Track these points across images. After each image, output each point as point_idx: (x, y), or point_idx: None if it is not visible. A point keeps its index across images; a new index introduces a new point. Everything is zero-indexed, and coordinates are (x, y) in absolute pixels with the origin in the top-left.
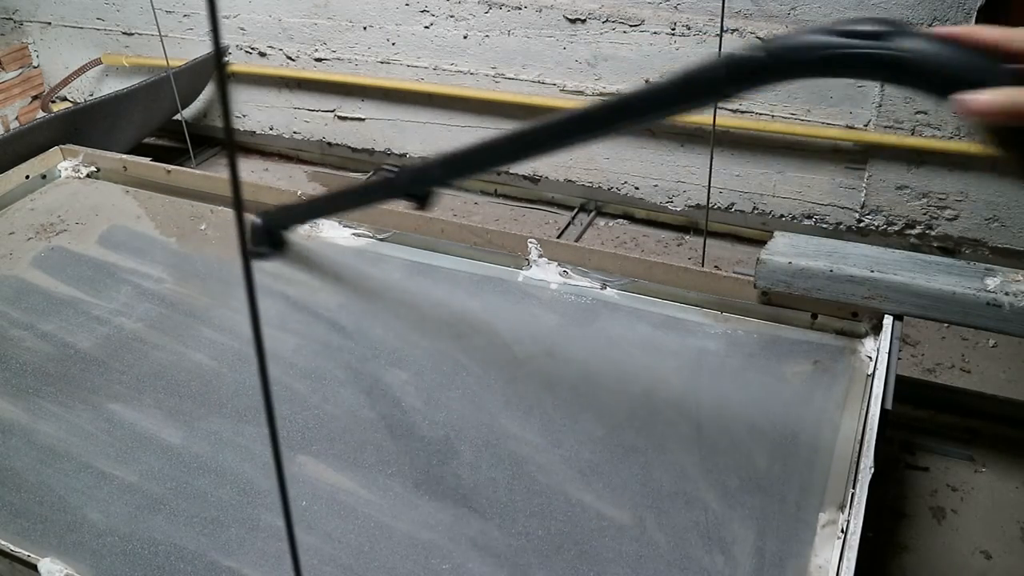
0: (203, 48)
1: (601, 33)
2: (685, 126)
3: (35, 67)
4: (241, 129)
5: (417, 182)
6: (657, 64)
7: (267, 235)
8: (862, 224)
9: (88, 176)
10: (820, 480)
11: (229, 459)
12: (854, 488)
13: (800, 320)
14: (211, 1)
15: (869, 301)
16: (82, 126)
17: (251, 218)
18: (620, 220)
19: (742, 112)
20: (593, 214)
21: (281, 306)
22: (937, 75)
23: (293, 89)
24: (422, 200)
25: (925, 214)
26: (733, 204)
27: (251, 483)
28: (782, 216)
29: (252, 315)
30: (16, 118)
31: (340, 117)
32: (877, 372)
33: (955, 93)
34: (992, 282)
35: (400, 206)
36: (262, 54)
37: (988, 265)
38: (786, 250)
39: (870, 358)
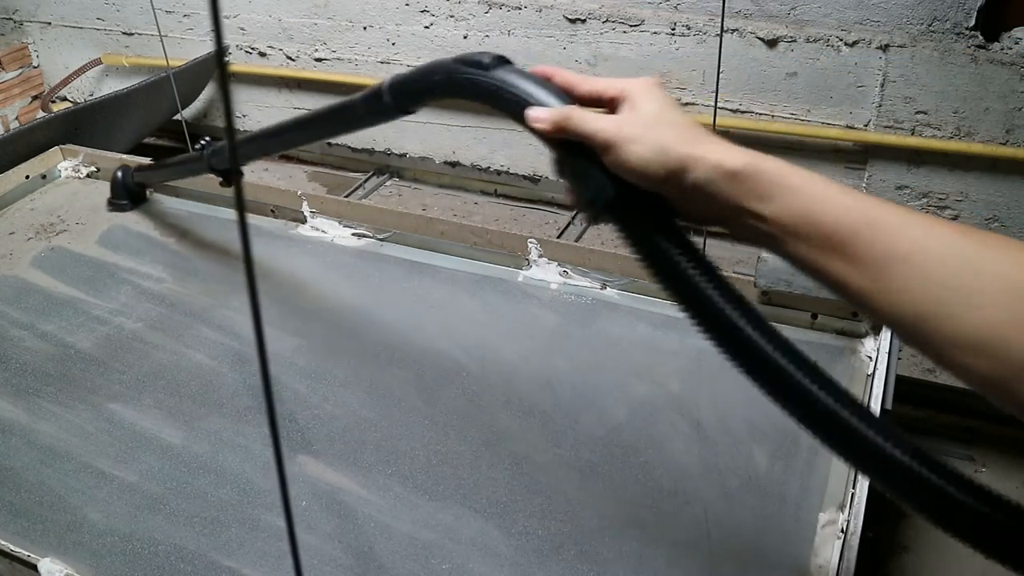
0: (203, 48)
1: (601, 33)
2: None
3: (35, 67)
4: (241, 129)
5: (218, 157)
6: (657, 64)
7: (126, 189)
8: None
9: (88, 176)
10: (820, 480)
11: (229, 459)
12: (854, 488)
13: (800, 320)
14: (213, 1)
15: None
16: (82, 126)
17: (115, 172)
18: None
19: (742, 112)
20: None
21: (281, 306)
22: (513, 99)
23: (293, 89)
24: (225, 175)
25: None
26: None
27: (251, 483)
28: None
29: (253, 315)
30: (16, 118)
31: None
32: (877, 372)
33: (528, 111)
34: None
35: (401, 206)
36: (262, 54)
37: None
38: None
39: (870, 358)
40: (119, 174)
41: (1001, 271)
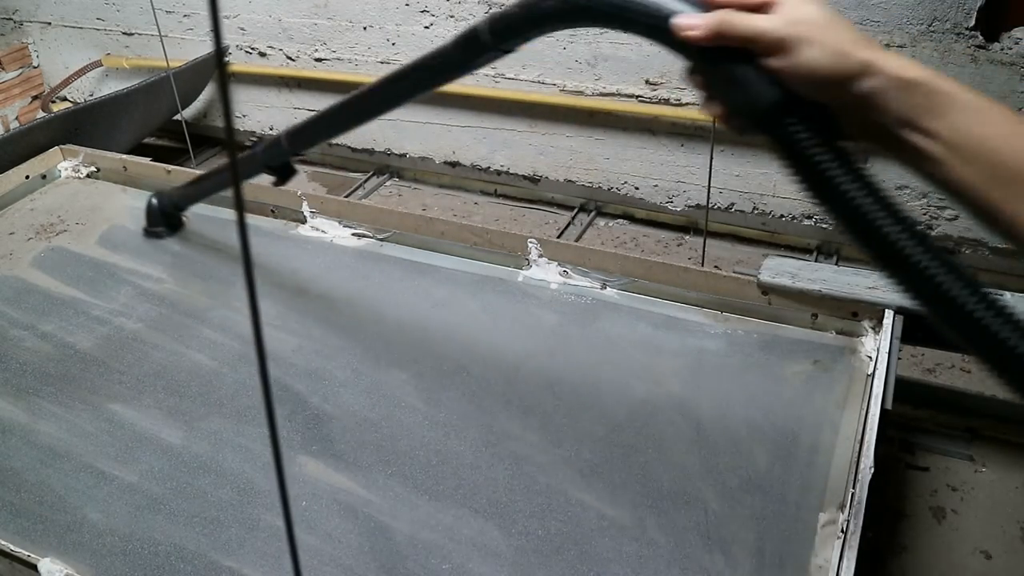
0: (203, 48)
1: (601, 33)
2: (685, 126)
3: (35, 67)
4: (241, 129)
5: (271, 155)
6: (657, 64)
7: (163, 215)
8: None
9: (88, 176)
10: (820, 480)
11: (229, 459)
12: (854, 488)
13: (800, 320)
14: (212, 1)
15: (873, 291)
16: (82, 126)
17: (150, 199)
18: (620, 220)
19: None
20: (593, 214)
21: (281, 306)
22: (647, 12)
23: (293, 89)
24: (281, 173)
25: (925, 214)
26: (733, 204)
27: (251, 483)
28: (782, 216)
29: (253, 315)
30: (16, 118)
31: None
32: (877, 372)
33: (675, 18)
34: None
35: (401, 206)
36: (262, 54)
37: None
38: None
39: (870, 358)
40: (154, 201)
41: None
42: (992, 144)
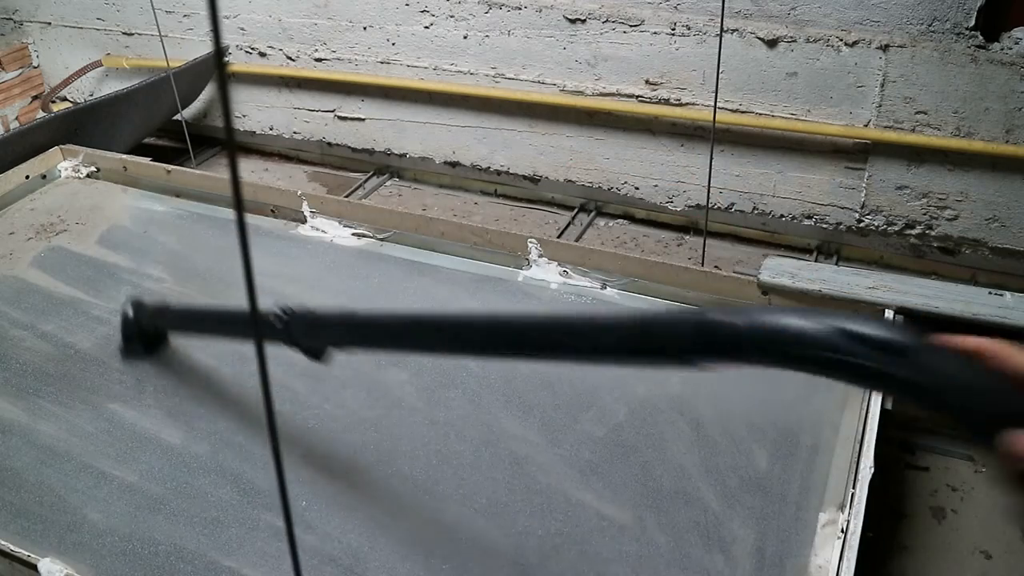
0: (203, 48)
1: (601, 33)
2: (685, 126)
3: (35, 67)
4: (241, 129)
5: (312, 336)
6: (657, 64)
7: (140, 329)
8: (862, 224)
9: (88, 176)
10: (820, 480)
11: (229, 459)
12: (854, 488)
13: None
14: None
15: (873, 291)
16: (82, 126)
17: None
18: (620, 220)
19: (742, 112)
20: (593, 214)
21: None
22: (974, 410)
23: (293, 89)
24: (316, 355)
25: (925, 214)
26: (733, 204)
27: (251, 483)
28: (782, 216)
29: (252, 315)
30: (16, 118)
31: (340, 117)
32: None
33: (999, 431)
34: None
35: (401, 206)
36: (262, 54)
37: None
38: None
39: None
40: (129, 312)
41: None
42: None
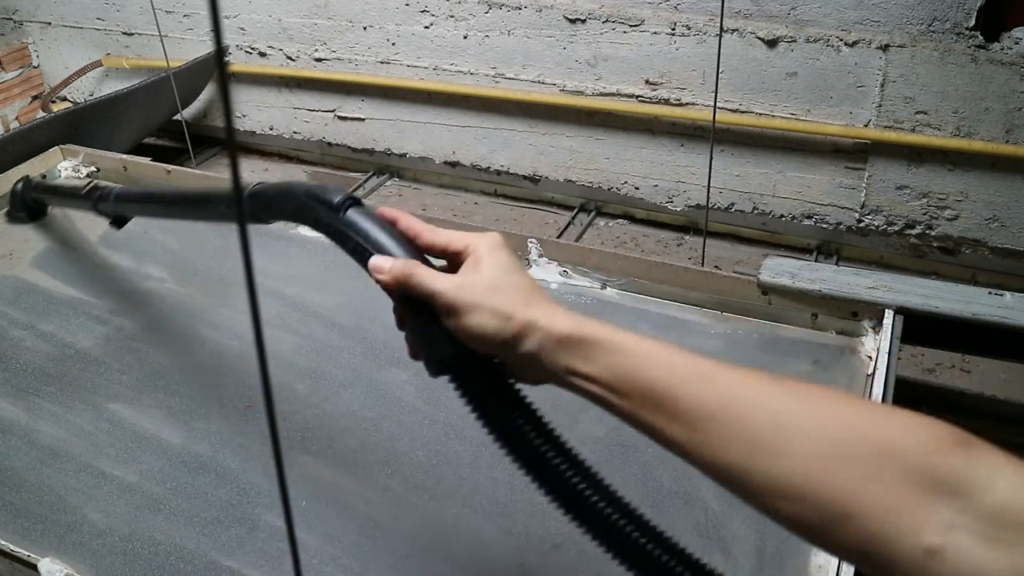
0: (203, 48)
1: (601, 33)
2: (685, 126)
3: (35, 67)
4: (241, 129)
5: (105, 204)
6: (657, 64)
7: (24, 204)
8: (862, 224)
9: (88, 176)
10: None
11: (229, 459)
12: None
13: (800, 320)
14: (212, 1)
15: (873, 291)
16: (82, 126)
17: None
18: (620, 220)
19: (742, 112)
20: (593, 214)
21: (281, 306)
22: (358, 246)
23: (293, 89)
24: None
25: (925, 214)
26: (733, 204)
27: (251, 483)
28: (782, 216)
29: (253, 315)
30: (16, 118)
31: (340, 117)
32: (877, 372)
33: (371, 260)
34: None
35: (401, 206)
36: (262, 54)
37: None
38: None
39: (870, 358)
40: (18, 186)
41: (804, 425)
42: (638, 373)
